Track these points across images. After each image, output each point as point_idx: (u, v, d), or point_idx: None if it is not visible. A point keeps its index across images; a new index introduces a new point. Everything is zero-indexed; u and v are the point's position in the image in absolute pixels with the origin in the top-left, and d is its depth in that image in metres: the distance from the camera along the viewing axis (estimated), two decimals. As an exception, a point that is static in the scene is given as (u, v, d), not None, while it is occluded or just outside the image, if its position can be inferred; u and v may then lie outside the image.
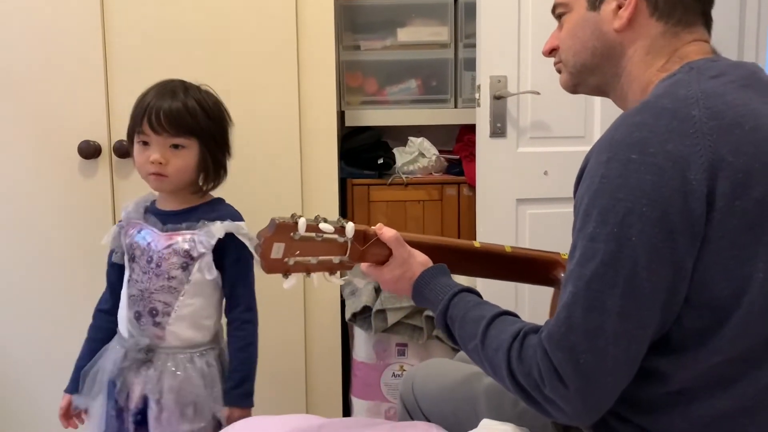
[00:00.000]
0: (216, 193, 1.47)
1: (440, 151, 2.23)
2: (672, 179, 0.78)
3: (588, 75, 1.01)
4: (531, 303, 1.93)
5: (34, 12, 1.83)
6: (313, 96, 1.91)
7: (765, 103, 0.86)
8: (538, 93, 1.88)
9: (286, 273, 0.98)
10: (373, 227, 1.05)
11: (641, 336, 0.81)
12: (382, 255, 1.04)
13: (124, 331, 1.37)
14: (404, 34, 2.18)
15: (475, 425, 1.07)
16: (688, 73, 0.88)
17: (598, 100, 1.86)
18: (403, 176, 2.15)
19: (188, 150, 1.33)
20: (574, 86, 1.04)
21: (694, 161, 0.79)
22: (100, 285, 1.90)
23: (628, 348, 0.81)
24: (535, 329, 0.88)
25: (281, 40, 1.88)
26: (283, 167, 1.91)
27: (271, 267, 0.96)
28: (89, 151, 1.83)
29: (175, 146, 1.32)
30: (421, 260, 1.05)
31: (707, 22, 0.96)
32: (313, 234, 0.96)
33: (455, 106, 2.22)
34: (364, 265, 1.08)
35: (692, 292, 0.81)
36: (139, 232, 1.38)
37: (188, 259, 1.34)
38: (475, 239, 1.94)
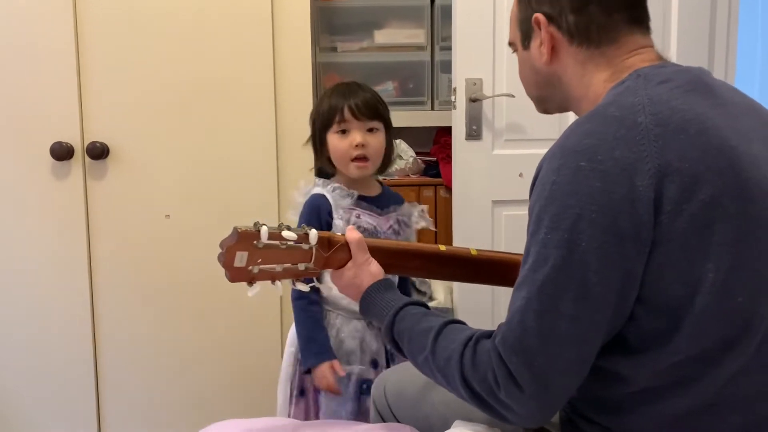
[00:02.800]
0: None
1: (417, 153, 2.24)
2: (620, 186, 0.80)
3: (545, 103, 1.07)
4: (507, 305, 1.93)
5: (5, 10, 1.82)
6: (290, 97, 1.90)
7: (710, 106, 0.87)
8: (513, 96, 1.88)
9: (251, 281, 0.98)
10: (339, 232, 1.05)
11: (593, 338, 0.83)
12: (346, 261, 1.05)
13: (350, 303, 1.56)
14: (381, 36, 2.19)
15: (447, 428, 1.08)
16: (635, 80, 0.89)
17: (572, 103, 1.87)
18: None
19: (380, 132, 1.52)
20: (543, 111, 1.10)
21: (641, 168, 0.80)
22: (74, 287, 1.90)
23: (580, 350, 0.83)
24: (487, 335, 0.89)
25: (257, 42, 1.88)
26: (259, 169, 1.91)
27: (235, 276, 0.96)
28: (62, 152, 1.82)
29: (370, 130, 1.50)
30: (373, 271, 1.06)
31: (642, 28, 0.96)
32: (277, 242, 0.96)
33: (432, 108, 2.23)
34: (330, 272, 1.08)
35: (647, 294, 0.82)
36: (358, 217, 1.52)
37: (396, 235, 1.57)
38: (451, 241, 1.96)
